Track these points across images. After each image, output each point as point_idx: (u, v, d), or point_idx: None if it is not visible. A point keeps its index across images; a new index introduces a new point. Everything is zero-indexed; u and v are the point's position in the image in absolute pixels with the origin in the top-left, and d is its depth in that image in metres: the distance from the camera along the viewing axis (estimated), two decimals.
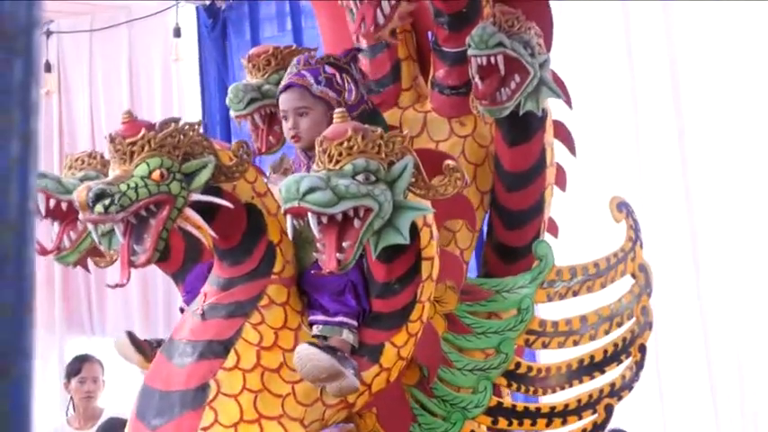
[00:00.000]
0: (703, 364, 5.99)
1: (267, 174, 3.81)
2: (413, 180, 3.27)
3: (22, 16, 1.29)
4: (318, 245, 3.18)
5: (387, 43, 4.04)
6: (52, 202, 3.65)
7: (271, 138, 4.01)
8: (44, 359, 7.97)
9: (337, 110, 3.30)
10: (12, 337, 1.27)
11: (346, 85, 3.71)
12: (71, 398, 6.64)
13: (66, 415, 6.68)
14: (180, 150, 3.20)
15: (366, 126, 3.30)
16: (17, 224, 1.27)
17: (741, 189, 5.98)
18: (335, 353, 3.30)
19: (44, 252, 3.70)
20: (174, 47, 7.96)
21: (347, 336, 3.40)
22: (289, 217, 3.13)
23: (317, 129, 3.58)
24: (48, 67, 8.38)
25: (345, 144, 3.19)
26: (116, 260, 3.83)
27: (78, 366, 6.58)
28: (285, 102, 3.69)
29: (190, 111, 8.04)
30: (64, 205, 3.66)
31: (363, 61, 4.12)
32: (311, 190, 3.08)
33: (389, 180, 3.23)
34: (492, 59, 3.66)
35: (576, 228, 4.73)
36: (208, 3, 7.79)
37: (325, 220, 3.11)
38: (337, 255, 3.14)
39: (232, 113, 4.06)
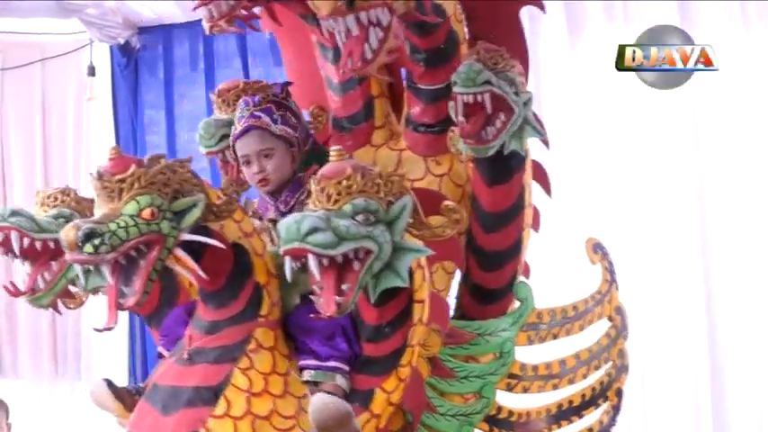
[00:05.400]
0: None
1: None
2: (410, 220, 3.17)
3: None
4: (316, 287, 3.05)
5: (359, 80, 3.94)
6: (26, 241, 3.45)
7: (242, 175, 3.87)
8: None
9: (334, 147, 3.18)
10: None
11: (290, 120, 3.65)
12: None
13: None
14: (170, 188, 3.07)
15: (364, 165, 3.19)
16: None
17: None
18: (347, 399, 3.20)
19: (17, 293, 3.48)
20: (88, 85, 7.79)
21: (340, 381, 3.28)
22: (288, 259, 3.00)
23: (283, 169, 3.57)
24: None
25: (344, 183, 3.08)
26: (86, 301, 3.67)
27: None
28: (246, 146, 3.61)
29: (103, 150, 7.83)
30: (38, 244, 3.47)
31: (334, 97, 4.03)
32: (313, 230, 2.96)
33: (388, 220, 3.13)
34: (479, 97, 3.57)
35: (547, 268, 4.66)
36: (122, 42, 7.65)
37: (326, 262, 2.99)
38: (336, 298, 3.02)
39: (202, 149, 3.92)
